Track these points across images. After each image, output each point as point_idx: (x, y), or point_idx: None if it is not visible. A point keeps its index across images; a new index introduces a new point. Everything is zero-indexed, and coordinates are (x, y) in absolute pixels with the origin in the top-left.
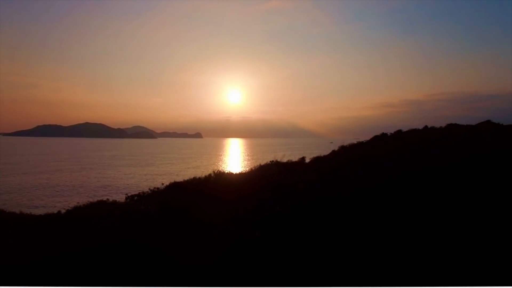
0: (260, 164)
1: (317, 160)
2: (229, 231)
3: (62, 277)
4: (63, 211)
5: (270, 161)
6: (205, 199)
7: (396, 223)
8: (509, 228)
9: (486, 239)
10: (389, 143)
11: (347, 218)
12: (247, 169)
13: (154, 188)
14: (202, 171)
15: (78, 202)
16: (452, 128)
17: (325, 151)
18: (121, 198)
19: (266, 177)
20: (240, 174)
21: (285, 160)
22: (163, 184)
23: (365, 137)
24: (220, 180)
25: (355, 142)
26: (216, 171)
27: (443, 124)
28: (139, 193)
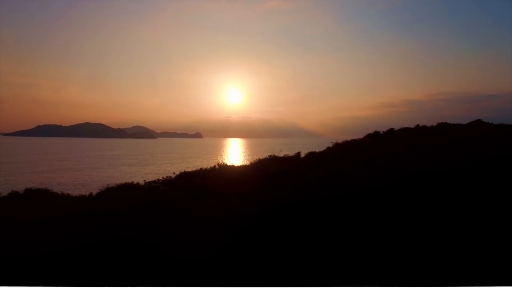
0: (259, 158)
1: (311, 155)
2: (232, 208)
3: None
4: (94, 192)
5: (268, 156)
6: (210, 185)
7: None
8: (499, 224)
9: (474, 234)
10: (381, 140)
11: (333, 200)
12: (247, 162)
13: (167, 176)
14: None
15: (108, 184)
16: (443, 127)
17: None
18: None
19: (264, 168)
20: (241, 166)
21: (281, 155)
22: (174, 173)
23: None
24: (223, 170)
25: (349, 140)
26: (220, 163)
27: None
28: (156, 179)
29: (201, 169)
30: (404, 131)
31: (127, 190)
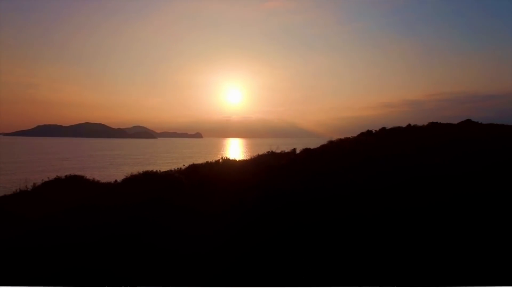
0: (258, 154)
1: (306, 151)
2: (233, 195)
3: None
4: (119, 179)
5: (267, 152)
6: (216, 175)
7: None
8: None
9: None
10: (373, 138)
11: (321, 187)
12: (248, 157)
13: (178, 168)
14: None
15: (131, 173)
16: (434, 126)
17: None
18: None
19: (263, 162)
20: (243, 160)
21: (279, 151)
22: (184, 165)
23: None
24: (227, 163)
25: (342, 138)
26: (223, 157)
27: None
28: (169, 170)
29: (207, 162)
30: (395, 130)
31: (148, 177)
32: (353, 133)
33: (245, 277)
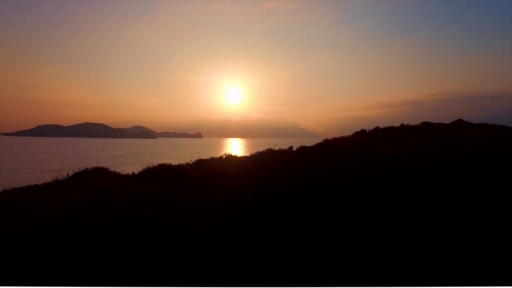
0: (257, 151)
1: (302, 148)
2: (236, 186)
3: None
4: (136, 172)
5: (266, 149)
6: (219, 169)
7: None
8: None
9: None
10: (367, 137)
11: (315, 181)
12: (248, 154)
13: (186, 162)
14: None
15: (147, 165)
16: (426, 126)
17: None
18: None
19: (263, 158)
20: (243, 156)
21: (277, 148)
22: (191, 160)
23: None
24: (229, 159)
25: (337, 137)
26: (226, 154)
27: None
28: (179, 163)
29: (211, 157)
30: (389, 129)
31: (163, 169)
32: (353, 133)
33: (245, 271)
